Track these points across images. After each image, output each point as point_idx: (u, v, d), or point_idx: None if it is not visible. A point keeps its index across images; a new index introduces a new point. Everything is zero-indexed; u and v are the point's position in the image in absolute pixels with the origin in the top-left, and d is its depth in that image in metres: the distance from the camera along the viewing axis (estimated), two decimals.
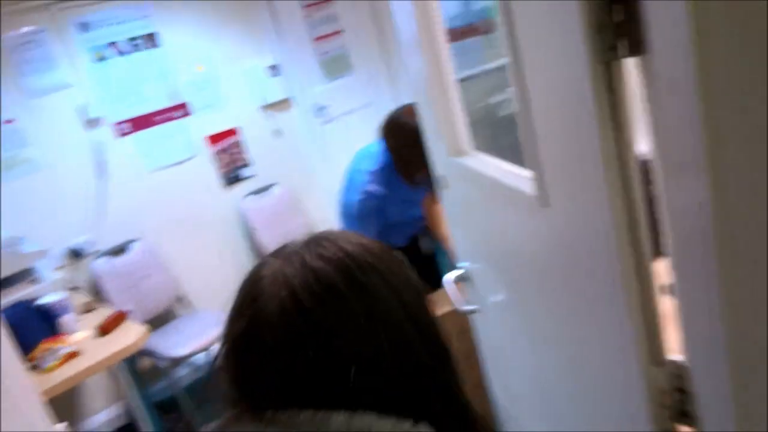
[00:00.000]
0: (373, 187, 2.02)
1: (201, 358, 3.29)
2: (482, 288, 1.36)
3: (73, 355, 2.05)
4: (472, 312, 1.43)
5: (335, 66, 3.81)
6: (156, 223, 3.10)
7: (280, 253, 0.58)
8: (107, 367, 2.11)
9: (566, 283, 0.84)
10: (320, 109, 3.67)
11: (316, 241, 0.58)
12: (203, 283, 3.22)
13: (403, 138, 1.93)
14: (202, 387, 3.20)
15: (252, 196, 3.42)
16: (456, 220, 1.41)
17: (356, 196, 2.06)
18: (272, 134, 3.54)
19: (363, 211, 2.05)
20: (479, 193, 1.18)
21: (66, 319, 2.22)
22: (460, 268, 1.44)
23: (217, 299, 3.22)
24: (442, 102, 1.26)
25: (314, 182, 3.75)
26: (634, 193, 0.65)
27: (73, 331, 2.22)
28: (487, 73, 1.51)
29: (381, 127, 2.05)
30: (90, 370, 2.03)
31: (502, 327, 1.31)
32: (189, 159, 3.22)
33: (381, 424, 0.49)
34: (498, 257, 1.18)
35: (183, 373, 3.14)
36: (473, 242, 1.33)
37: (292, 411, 0.50)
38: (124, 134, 3.01)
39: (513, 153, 0.92)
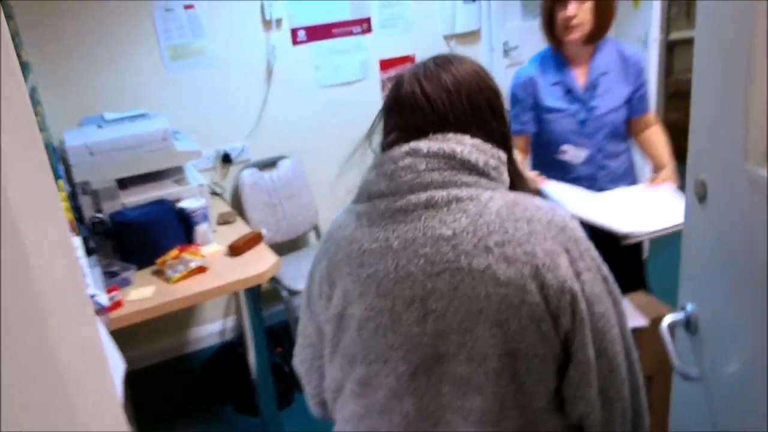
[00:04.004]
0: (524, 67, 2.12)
1: None
2: (716, 347, 0.93)
3: (201, 270, 1.93)
4: (688, 378, 1.00)
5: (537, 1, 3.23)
6: (309, 143, 2.90)
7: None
8: (233, 291, 1.97)
9: None
10: (510, 50, 3.17)
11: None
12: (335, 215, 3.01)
13: None
14: None
15: None
16: (715, 243, 0.95)
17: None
18: None
19: (514, 93, 2.12)
20: None
21: (203, 229, 2.10)
22: (683, 309, 1.02)
23: None
24: None
25: None
26: None
27: (206, 242, 2.11)
28: None
29: None
30: (214, 292, 1.89)
31: (745, 406, 0.88)
32: (357, 81, 2.94)
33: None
34: None
35: (297, 303, 3.02)
36: (732, 279, 0.87)
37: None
38: (300, 42, 2.78)
39: None
